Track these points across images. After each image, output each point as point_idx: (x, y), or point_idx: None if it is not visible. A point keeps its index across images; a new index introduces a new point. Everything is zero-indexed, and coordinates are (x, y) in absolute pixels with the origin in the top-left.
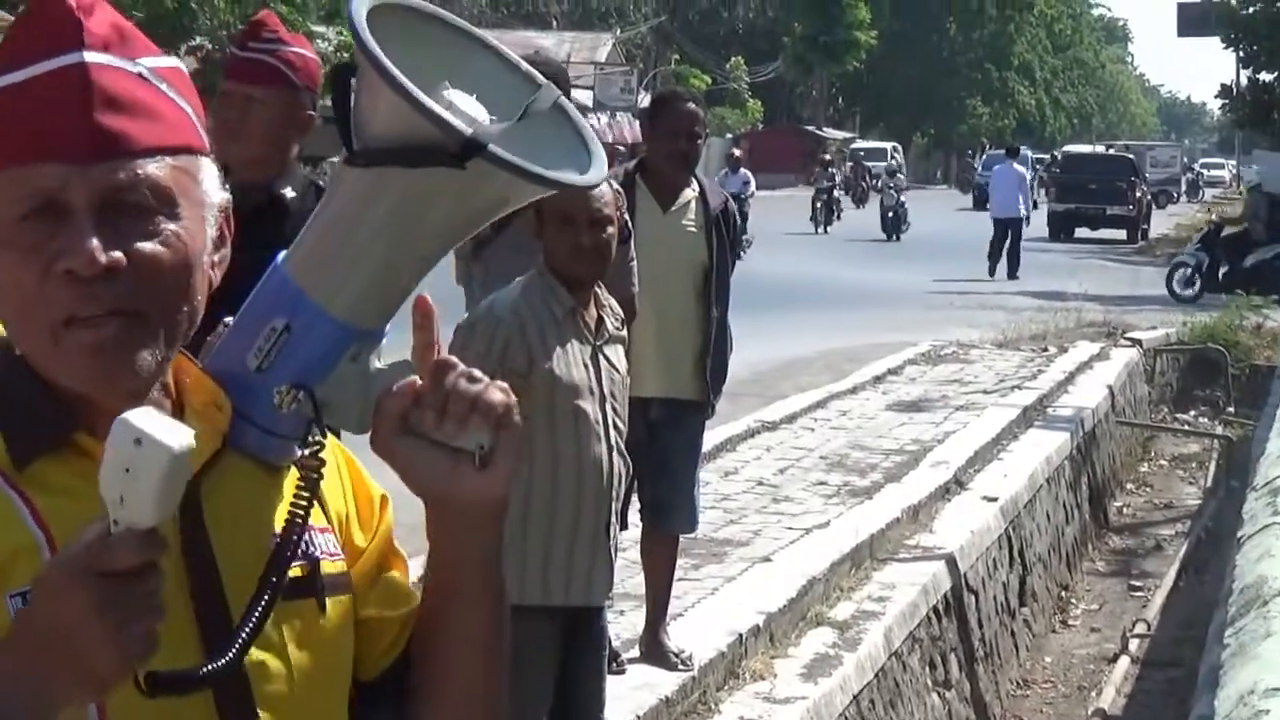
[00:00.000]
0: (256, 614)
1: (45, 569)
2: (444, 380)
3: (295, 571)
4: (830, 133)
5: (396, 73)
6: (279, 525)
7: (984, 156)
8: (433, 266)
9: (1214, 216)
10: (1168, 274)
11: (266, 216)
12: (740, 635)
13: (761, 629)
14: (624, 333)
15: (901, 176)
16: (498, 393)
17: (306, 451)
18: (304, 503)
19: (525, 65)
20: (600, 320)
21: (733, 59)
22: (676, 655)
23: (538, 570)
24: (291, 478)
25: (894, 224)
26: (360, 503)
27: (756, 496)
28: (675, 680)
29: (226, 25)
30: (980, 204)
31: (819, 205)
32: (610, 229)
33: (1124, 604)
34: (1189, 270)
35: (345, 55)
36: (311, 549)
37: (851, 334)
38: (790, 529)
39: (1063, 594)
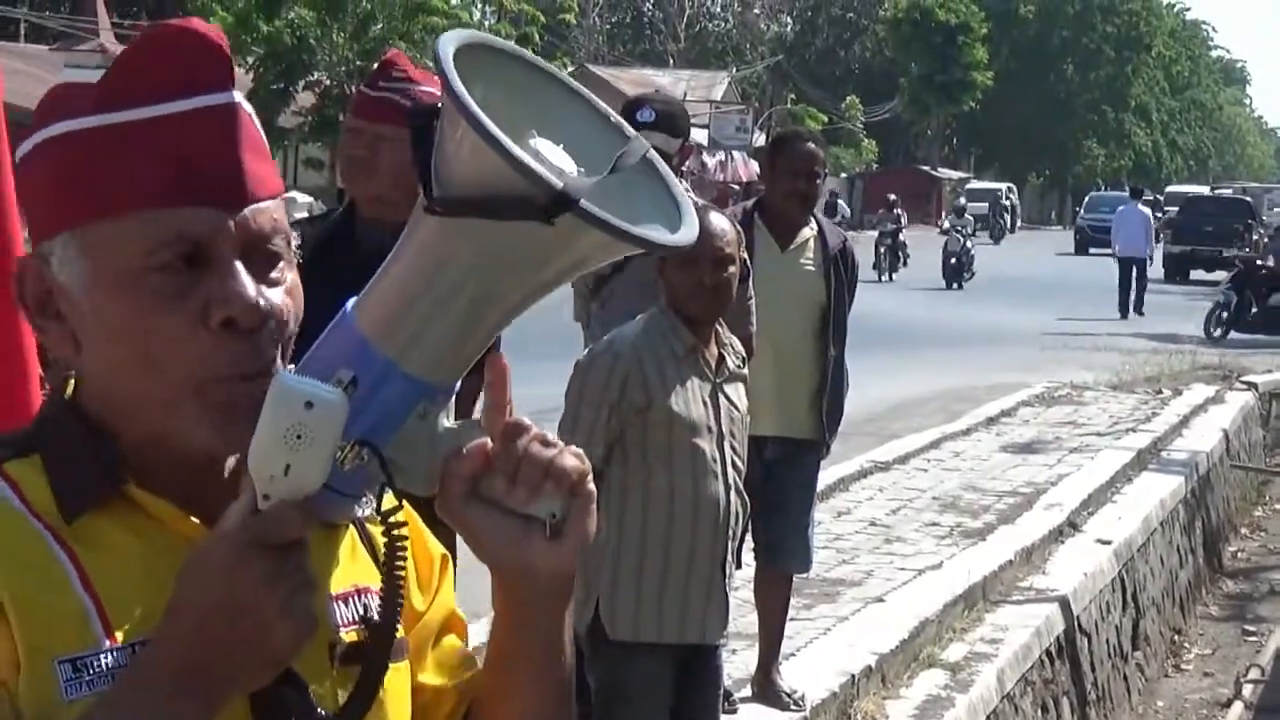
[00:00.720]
0: (373, 681)
1: (201, 550)
2: (516, 443)
3: (352, 636)
4: (945, 173)
5: (484, 117)
6: (334, 586)
7: (1087, 199)
8: (509, 323)
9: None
10: (1206, 314)
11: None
12: (852, 676)
13: (873, 670)
14: (744, 371)
15: (970, 217)
16: (571, 459)
17: (384, 510)
18: (400, 566)
19: (614, 115)
20: (721, 358)
21: (848, 98)
22: (789, 695)
23: (653, 607)
24: (348, 538)
25: (955, 271)
26: (420, 563)
27: (869, 537)
28: None
29: (345, 61)
30: (1082, 247)
31: (882, 251)
32: (731, 268)
33: (1237, 649)
34: (1220, 310)
35: None
36: (369, 613)
37: (964, 374)
38: (903, 569)
39: (1176, 638)
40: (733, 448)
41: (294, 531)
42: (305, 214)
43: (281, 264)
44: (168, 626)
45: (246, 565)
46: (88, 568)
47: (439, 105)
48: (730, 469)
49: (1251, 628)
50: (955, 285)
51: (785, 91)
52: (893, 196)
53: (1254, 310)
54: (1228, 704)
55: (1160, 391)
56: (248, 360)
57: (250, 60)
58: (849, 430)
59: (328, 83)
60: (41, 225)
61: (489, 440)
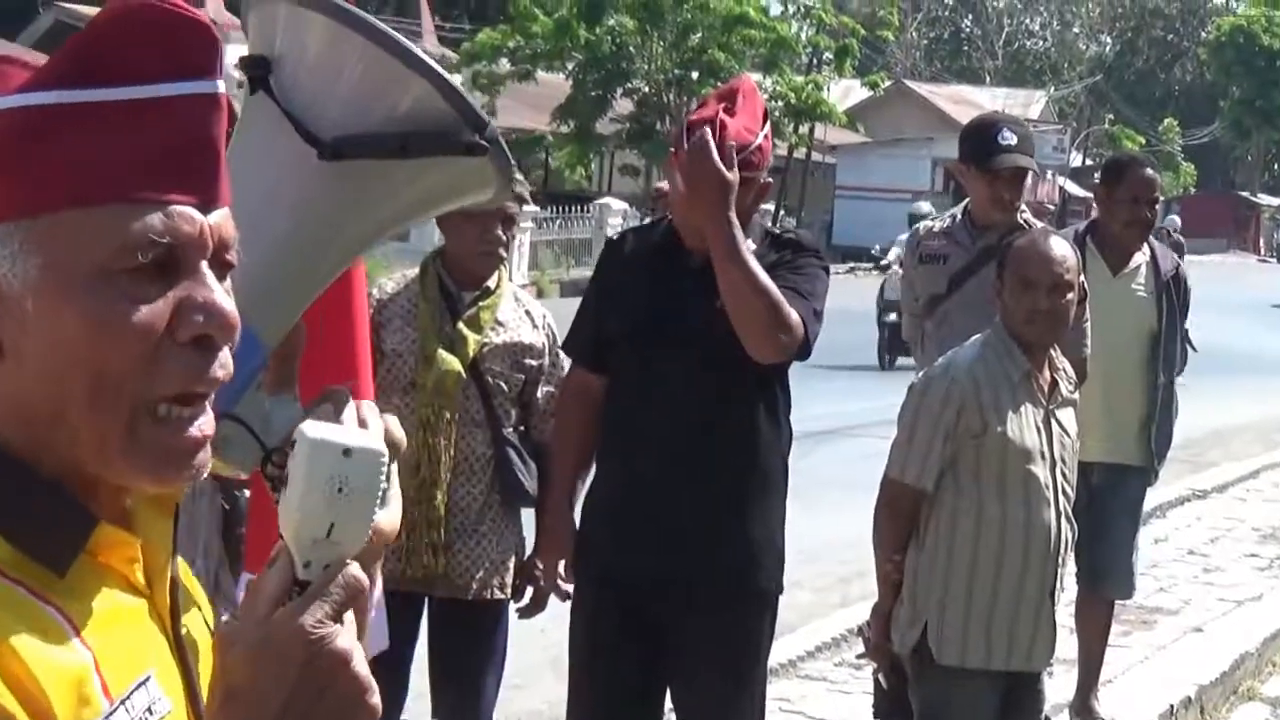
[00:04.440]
0: None
1: (258, 635)
2: None
3: None
4: (1265, 199)
5: (425, 56)
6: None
7: None
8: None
9: None
10: None
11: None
12: (1171, 706)
13: (1192, 700)
14: (1076, 396)
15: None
16: None
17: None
18: None
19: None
20: (1054, 383)
21: (1166, 120)
22: None
23: (980, 633)
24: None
25: None
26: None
27: (1187, 565)
28: None
29: (664, 70)
30: None
31: None
32: (1070, 295)
33: None
34: None
35: (778, 104)
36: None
37: None
38: (1221, 600)
39: None
40: (1064, 474)
41: (365, 597)
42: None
43: (230, 277)
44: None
45: (320, 644)
46: (75, 618)
47: (268, 55)
48: (1061, 496)
49: None
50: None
51: (1103, 112)
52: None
53: None
54: None
55: None
56: (202, 379)
57: (570, 67)
58: (1171, 456)
59: (646, 90)
60: None
61: (328, 410)
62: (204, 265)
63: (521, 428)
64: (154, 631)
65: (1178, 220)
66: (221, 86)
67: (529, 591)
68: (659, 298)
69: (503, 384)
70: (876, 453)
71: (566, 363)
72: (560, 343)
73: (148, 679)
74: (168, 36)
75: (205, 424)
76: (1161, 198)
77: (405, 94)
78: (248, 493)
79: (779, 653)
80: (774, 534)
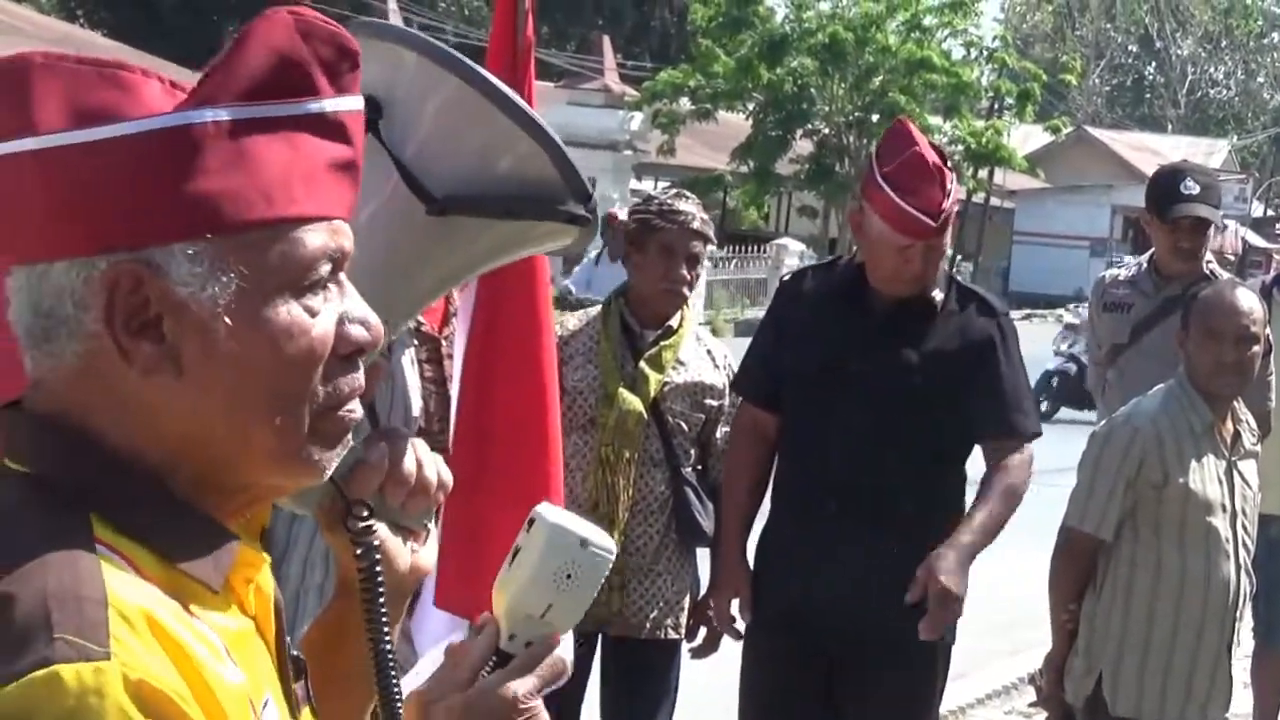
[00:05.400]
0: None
1: (456, 705)
2: (402, 461)
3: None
4: None
5: (540, 119)
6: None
7: None
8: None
9: None
10: None
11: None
12: None
13: None
14: (1258, 448)
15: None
16: (436, 471)
17: (357, 530)
18: (380, 589)
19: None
20: (1237, 435)
21: None
22: None
23: (1156, 686)
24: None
25: None
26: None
27: None
28: None
29: (844, 112)
30: None
31: None
32: (1256, 347)
33: None
34: None
35: (958, 148)
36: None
37: None
38: None
39: None
40: (1244, 527)
41: (563, 679)
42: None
43: None
44: None
45: (526, 715)
46: (222, 636)
47: (379, 97)
48: (1240, 548)
49: None
50: None
51: None
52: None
53: None
54: None
55: None
56: (355, 388)
57: (750, 107)
58: None
59: (826, 132)
60: (135, 227)
61: (380, 456)
62: (344, 277)
63: (699, 467)
64: (263, 652)
65: None
66: (361, 101)
67: (702, 632)
68: (843, 338)
69: (683, 424)
70: (1040, 500)
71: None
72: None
73: (267, 701)
74: (327, 52)
75: (356, 410)
76: None
77: (519, 158)
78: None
79: (949, 699)
80: None
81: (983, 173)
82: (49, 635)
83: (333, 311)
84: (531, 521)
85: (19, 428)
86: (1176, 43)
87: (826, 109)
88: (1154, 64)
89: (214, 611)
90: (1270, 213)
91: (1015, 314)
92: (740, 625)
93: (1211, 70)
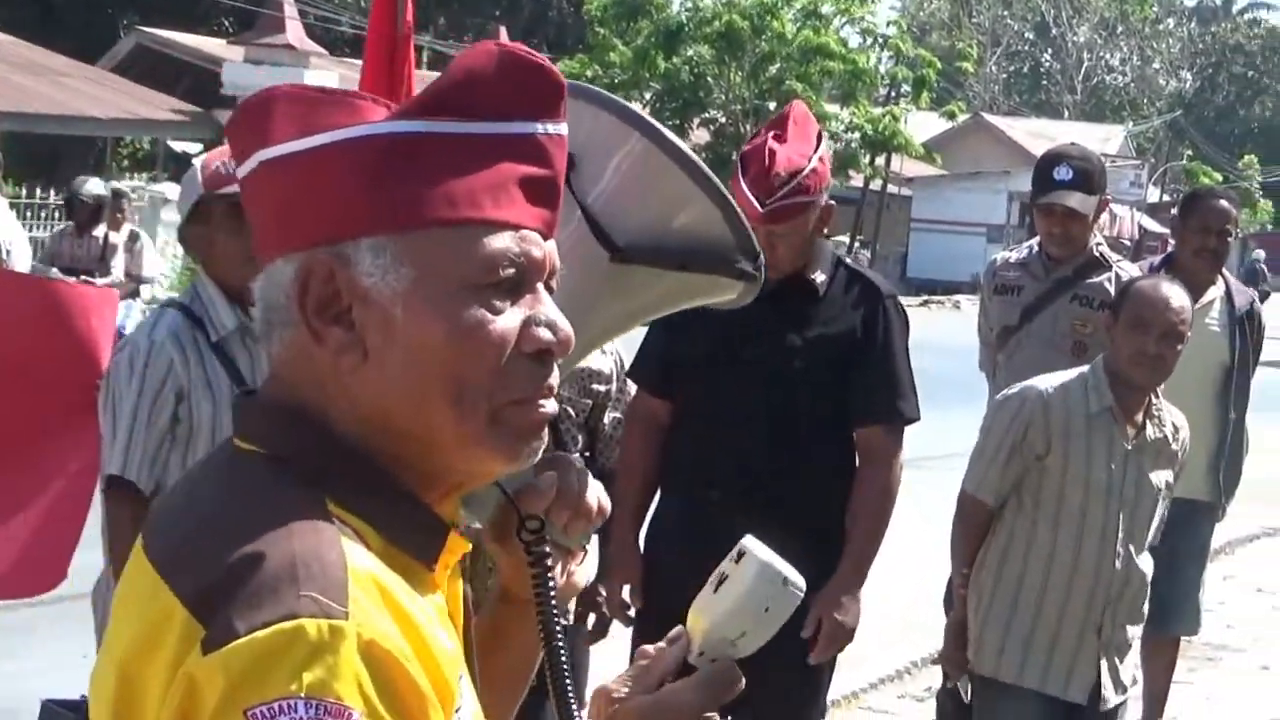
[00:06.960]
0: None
1: (645, 707)
2: (569, 481)
3: None
4: None
5: (715, 179)
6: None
7: None
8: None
9: None
10: None
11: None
12: None
13: None
14: (1176, 448)
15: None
16: (596, 495)
17: (529, 539)
18: (551, 587)
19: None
20: (1142, 426)
21: (1245, 157)
22: None
23: (1017, 651)
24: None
25: None
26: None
27: (1255, 603)
28: None
29: (741, 100)
30: None
31: None
32: (1180, 346)
33: None
34: None
35: (854, 135)
36: None
37: None
38: None
39: None
40: (1134, 518)
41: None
42: None
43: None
44: None
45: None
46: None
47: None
48: (1124, 539)
49: None
50: None
51: (1181, 148)
52: (1261, 255)
53: None
54: None
55: None
56: (541, 387)
57: (647, 96)
58: (1241, 492)
59: (723, 120)
60: (334, 225)
61: (550, 482)
62: (542, 286)
63: (588, 454)
64: (453, 631)
65: (1262, 254)
66: (565, 129)
67: (591, 618)
68: (730, 323)
69: (570, 409)
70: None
71: (633, 389)
72: (627, 368)
73: (463, 675)
74: (525, 80)
75: (549, 405)
76: (1233, 230)
77: (695, 215)
78: None
79: (840, 685)
80: (837, 565)
81: (880, 160)
82: (296, 591)
83: (519, 312)
84: (741, 554)
85: (252, 411)
86: (1073, 29)
87: (723, 98)
88: (1050, 51)
89: (423, 589)
90: (1166, 198)
91: (913, 300)
92: (631, 611)
93: (1107, 57)
